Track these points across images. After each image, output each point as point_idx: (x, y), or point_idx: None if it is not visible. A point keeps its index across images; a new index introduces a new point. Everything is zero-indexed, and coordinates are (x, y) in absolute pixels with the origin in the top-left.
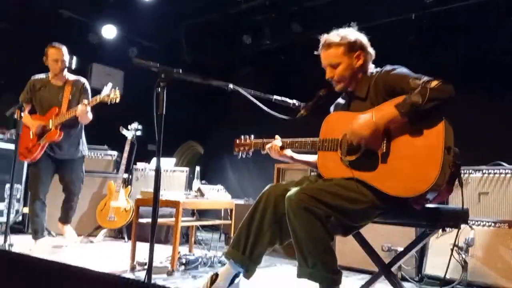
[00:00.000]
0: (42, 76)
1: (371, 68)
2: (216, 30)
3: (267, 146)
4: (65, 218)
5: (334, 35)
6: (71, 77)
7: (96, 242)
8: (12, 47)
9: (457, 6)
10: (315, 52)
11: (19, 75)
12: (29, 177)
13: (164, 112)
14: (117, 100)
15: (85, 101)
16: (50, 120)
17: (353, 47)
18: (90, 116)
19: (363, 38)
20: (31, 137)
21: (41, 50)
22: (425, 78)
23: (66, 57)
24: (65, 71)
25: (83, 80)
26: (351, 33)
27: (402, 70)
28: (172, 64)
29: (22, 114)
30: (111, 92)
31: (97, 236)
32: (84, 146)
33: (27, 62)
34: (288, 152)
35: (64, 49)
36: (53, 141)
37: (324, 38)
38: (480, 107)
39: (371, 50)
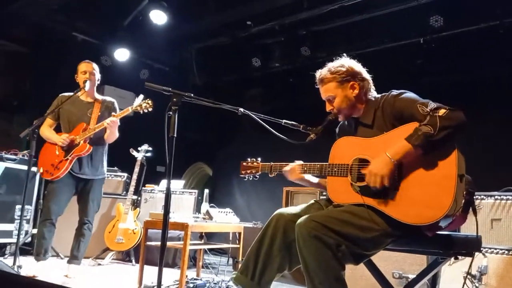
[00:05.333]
0: (70, 93)
1: (373, 93)
2: (226, 52)
3: (287, 168)
4: (75, 251)
5: (326, 70)
6: (100, 96)
7: (104, 265)
8: (26, 69)
9: (466, 30)
10: (316, 86)
11: (32, 97)
12: (46, 194)
13: (175, 135)
14: (150, 109)
15: (113, 113)
16: (78, 136)
17: (345, 79)
18: (117, 133)
19: (356, 66)
20: (57, 153)
21: (54, 72)
22: (433, 105)
23: (97, 72)
24: (94, 90)
25: (112, 99)
26: (342, 65)
27: (409, 95)
28: (182, 85)
29: (37, 132)
30: (142, 102)
31: (104, 258)
32: (105, 169)
33: (40, 84)
34: (306, 175)
35: (95, 65)
36: (82, 155)
37: (318, 73)
38: (492, 131)
39: (366, 76)
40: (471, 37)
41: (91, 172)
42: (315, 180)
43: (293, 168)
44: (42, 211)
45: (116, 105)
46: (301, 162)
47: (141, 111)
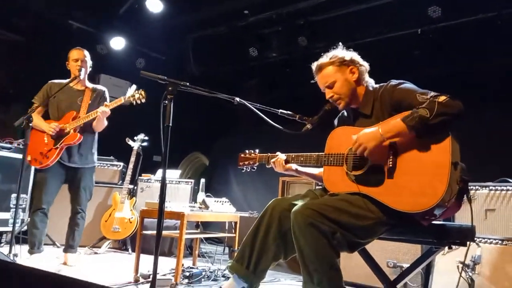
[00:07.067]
0: (61, 80)
1: (370, 82)
2: (223, 42)
3: (272, 160)
4: (70, 241)
5: (323, 58)
6: (91, 84)
7: (100, 253)
8: (22, 57)
9: (464, 21)
10: (312, 81)
11: (28, 86)
12: (35, 184)
13: (170, 124)
14: (143, 100)
15: (106, 103)
16: (68, 124)
17: (344, 63)
18: (105, 122)
19: (353, 54)
20: (45, 141)
21: (50, 61)
22: (433, 93)
23: (88, 60)
24: (86, 78)
25: (103, 88)
26: (340, 52)
27: (408, 85)
28: (179, 75)
29: (31, 120)
30: (135, 93)
31: (101, 247)
32: (95, 157)
33: (36, 72)
34: (293, 165)
35: (86, 52)
36: (72, 144)
37: (315, 64)
38: (487, 122)
39: (364, 63)
40: (469, 28)
41: (81, 161)
42: (304, 169)
43: (277, 160)
44: (32, 201)
45: (107, 93)
46: (282, 154)
47: (134, 102)
